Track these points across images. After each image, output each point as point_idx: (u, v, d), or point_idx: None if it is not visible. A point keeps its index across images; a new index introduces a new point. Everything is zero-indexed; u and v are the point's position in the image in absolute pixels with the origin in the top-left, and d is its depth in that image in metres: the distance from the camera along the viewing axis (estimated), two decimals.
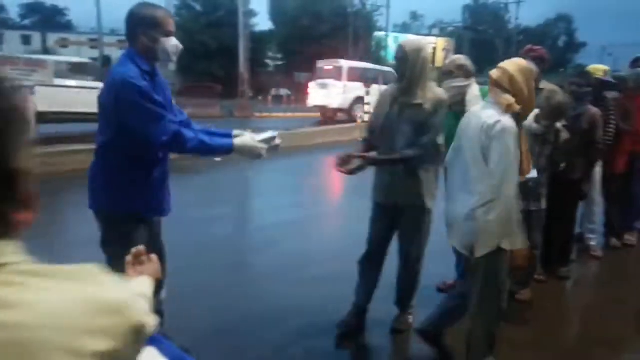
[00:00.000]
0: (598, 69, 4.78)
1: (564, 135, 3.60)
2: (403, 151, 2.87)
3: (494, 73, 2.47)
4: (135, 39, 2.20)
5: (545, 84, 3.99)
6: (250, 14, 26.58)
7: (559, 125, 3.59)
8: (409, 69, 2.84)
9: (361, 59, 30.18)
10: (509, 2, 43.66)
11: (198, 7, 30.14)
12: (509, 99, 2.39)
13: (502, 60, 2.57)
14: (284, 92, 30.28)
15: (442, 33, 46.83)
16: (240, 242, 5.17)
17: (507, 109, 2.38)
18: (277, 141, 2.56)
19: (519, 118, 2.42)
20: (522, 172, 2.49)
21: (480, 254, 2.38)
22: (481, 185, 2.36)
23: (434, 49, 39.46)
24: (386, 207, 3.04)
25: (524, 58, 3.98)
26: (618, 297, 3.89)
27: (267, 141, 2.53)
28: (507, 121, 2.35)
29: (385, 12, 35.37)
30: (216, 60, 25.07)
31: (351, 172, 2.90)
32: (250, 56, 20.13)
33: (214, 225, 5.51)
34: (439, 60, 40.23)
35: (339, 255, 3.75)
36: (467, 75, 3.46)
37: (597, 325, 3.49)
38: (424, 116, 2.84)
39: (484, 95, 3.27)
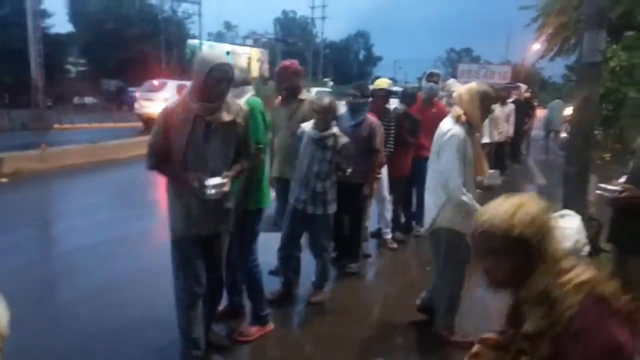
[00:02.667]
0: (383, 82, 5.16)
1: (343, 140, 3.73)
2: (243, 163, 2.82)
3: (455, 94, 3.27)
4: None
5: (305, 95, 4.16)
6: (43, 14, 23.75)
7: (335, 130, 3.74)
8: (227, 89, 2.62)
9: (175, 67, 29.33)
10: (315, 17, 46.79)
11: None
12: (457, 111, 3.14)
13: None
14: (89, 100, 27.48)
15: (256, 44, 48.08)
16: (43, 270, 4.60)
17: (457, 119, 3.10)
18: (225, 188, 2.59)
19: (471, 128, 3.11)
20: (479, 172, 3.24)
21: (438, 225, 3.15)
22: (436, 183, 3.13)
23: (249, 59, 40.33)
24: (197, 239, 2.76)
25: (282, 72, 4.05)
26: (411, 283, 4.42)
27: (217, 186, 2.56)
28: (457, 129, 3.06)
29: (197, 20, 34.96)
30: (2, 65, 21.74)
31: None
32: (46, 61, 17.91)
33: (8, 254, 4.80)
34: (254, 70, 41.22)
35: (154, 276, 3.59)
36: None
37: (394, 310, 3.89)
38: (240, 131, 2.75)
39: (252, 104, 3.07)
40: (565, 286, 1.31)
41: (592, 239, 4.31)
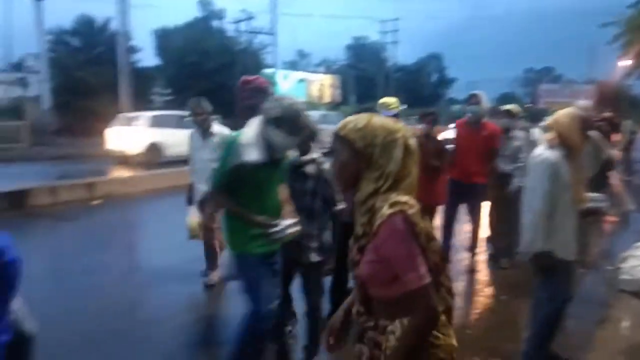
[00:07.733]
0: (389, 101, 4.61)
1: (327, 164, 2.86)
2: None
3: (548, 121, 3.17)
4: None
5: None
6: (133, 49, 25.70)
7: (315, 155, 2.93)
8: None
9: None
10: (386, 42, 46.92)
11: (76, 43, 28.42)
12: (550, 135, 2.99)
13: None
14: None
15: (328, 70, 49.00)
16: (122, 289, 4.83)
17: (550, 144, 2.95)
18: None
19: (569, 152, 2.89)
20: (575, 200, 2.96)
21: (532, 249, 2.96)
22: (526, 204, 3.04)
23: (321, 85, 41.17)
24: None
25: (242, 89, 3.34)
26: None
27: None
28: (548, 153, 2.91)
29: (273, 50, 36.28)
30: (97, 98, 23.73)
31: None
32: (135, 92, 19.32)
33: (94, 273, 5.13)
34: (327, 96, 41.97)
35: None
36: None
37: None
38: None
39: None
40: (386, 201, 1.48)
41: None
